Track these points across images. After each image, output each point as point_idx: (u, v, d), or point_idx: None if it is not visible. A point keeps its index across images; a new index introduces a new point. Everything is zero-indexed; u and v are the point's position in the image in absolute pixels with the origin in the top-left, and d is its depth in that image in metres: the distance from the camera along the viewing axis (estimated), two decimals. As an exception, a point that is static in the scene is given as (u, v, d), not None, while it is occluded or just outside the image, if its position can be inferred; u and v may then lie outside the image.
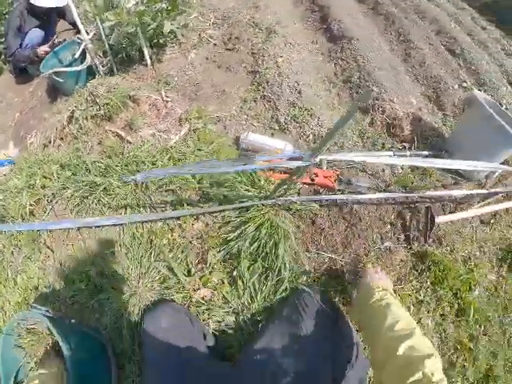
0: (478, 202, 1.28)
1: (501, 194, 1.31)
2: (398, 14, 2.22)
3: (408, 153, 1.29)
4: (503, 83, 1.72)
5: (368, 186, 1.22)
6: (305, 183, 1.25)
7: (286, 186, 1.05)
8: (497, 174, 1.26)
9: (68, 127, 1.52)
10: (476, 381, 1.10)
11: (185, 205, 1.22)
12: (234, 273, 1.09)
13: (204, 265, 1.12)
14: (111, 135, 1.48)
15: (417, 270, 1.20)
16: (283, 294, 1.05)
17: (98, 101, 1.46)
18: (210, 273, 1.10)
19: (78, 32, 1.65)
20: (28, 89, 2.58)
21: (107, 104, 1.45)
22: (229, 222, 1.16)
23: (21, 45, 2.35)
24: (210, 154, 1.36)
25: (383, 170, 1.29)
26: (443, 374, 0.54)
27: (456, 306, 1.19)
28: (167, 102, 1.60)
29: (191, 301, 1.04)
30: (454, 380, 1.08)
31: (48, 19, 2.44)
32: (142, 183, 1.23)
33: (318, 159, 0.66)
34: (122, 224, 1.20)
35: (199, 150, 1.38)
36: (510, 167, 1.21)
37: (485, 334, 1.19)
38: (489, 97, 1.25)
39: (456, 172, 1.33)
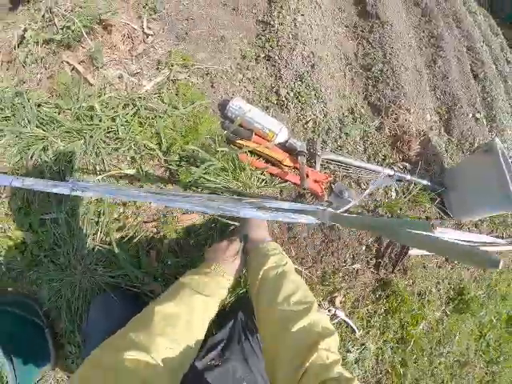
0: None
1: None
2: (436, 13, 1.95)
3: (408, 177, 1.15)
4: (509, 126, 1.66)
5: (358, 203, 1.06)
6: (289, 181, 1.04)
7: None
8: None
9: (16, 50, 1.05)
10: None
11: (145, 181, 0.95)
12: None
13: (156, 255, 0.94)
14: (68, 69, 1.06)
15: (375, 295, 1.18)
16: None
17: (56, 22, 1.02)
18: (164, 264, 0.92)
19: None
20: None
21: (67, 28, 1.02)
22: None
23: None
24: (187, 119, 1.05)
25: (377, 188, 1.14)
26: (339, 355, 0.48)
27: (399, 334, 1.21)
28: (147, 35, 1.17)
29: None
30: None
31: None
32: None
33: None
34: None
35: (175, 108, 1.05)
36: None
37: (415, 363, 1.25)
38: (507, 151, 1.15)
39: (442, 203, 1.27)
